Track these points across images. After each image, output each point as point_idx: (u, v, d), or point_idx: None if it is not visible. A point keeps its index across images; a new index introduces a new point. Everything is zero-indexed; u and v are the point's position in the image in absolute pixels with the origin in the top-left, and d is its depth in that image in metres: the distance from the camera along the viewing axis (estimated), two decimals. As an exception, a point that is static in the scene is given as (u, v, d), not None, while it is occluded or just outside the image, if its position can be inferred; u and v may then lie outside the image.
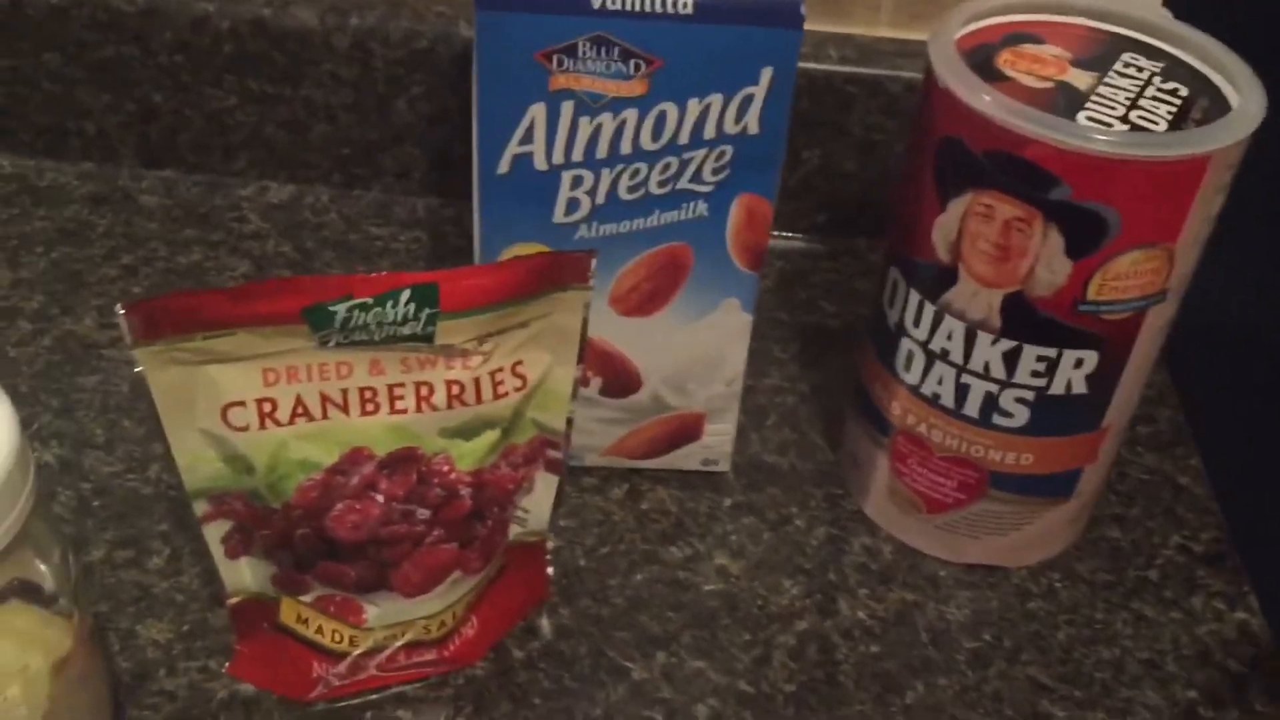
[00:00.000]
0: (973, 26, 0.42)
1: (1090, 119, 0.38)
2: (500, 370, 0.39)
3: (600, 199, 0.41)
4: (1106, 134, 0.37)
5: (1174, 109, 0.39)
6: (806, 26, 0.38)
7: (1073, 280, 0.39)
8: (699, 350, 0.45)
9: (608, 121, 0.39)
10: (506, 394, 0.39)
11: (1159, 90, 0.40)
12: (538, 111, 0.39)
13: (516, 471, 0.41)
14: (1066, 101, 0.39)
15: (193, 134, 0.61)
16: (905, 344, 0.43)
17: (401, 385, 0.38)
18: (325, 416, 0.38)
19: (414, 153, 0.61)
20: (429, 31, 0.57)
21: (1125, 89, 0.39)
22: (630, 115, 0.39)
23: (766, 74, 0.38)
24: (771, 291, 0.59)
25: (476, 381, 0.38)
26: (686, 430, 0.48)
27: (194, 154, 0.62)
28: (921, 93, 0.40)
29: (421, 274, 0.36)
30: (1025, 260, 0.39)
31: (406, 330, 0.37)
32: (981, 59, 0.40)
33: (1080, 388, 0.41)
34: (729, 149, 0.40)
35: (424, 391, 0.38)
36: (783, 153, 0.40)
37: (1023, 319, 0.40)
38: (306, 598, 0.41)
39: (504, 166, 0.40)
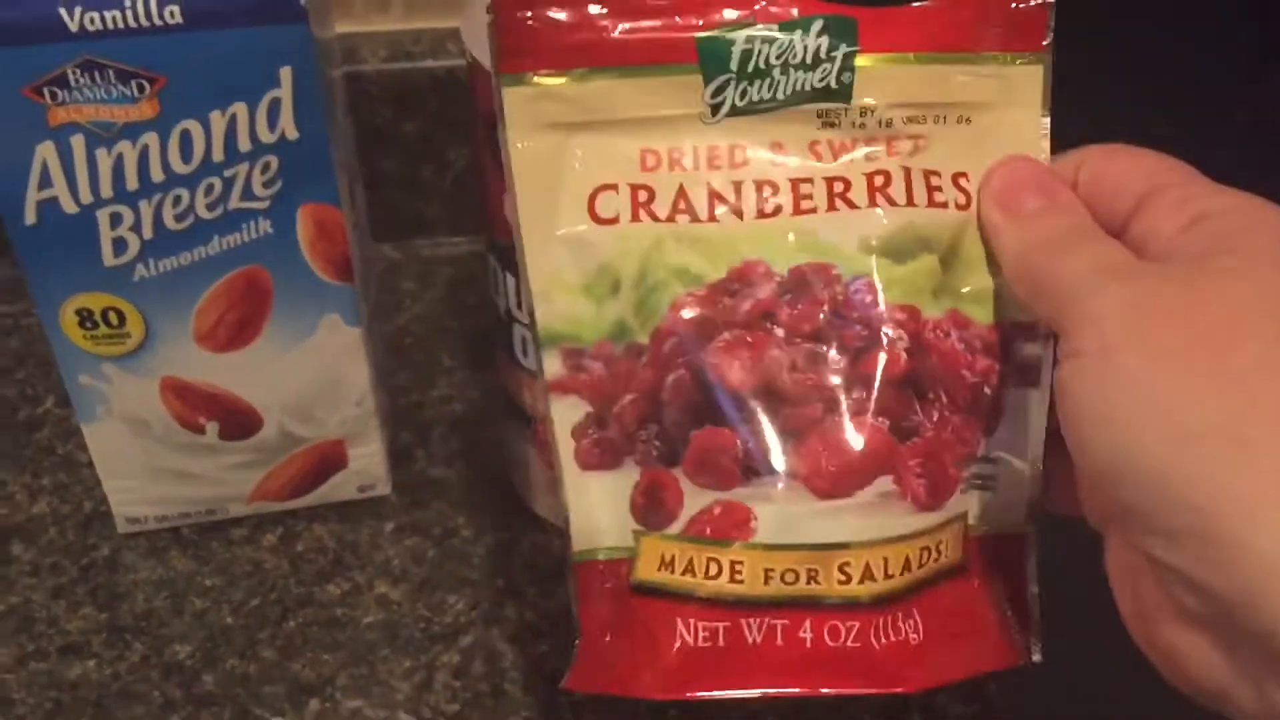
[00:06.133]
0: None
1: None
2: (937, 174, 0.31)
3: (148, 233, 0.38)
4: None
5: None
6: (426, 24, 0.35)
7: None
8: (314, 375, 0.43)
9: (128, 150, 0.36)
10: (946, 205, 0.31)
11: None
12: (47, 152, 0.36)
13: (974, 357, 0.31)
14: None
15: None
16: (517, 330, 0.42)
17: (808, 181, 0.31)
18: (712, 217, 0.31)
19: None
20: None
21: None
22: (151, 140, 0.36)
23: (286, 74, 0.36)
24: (440, 300, 0.57)
25: (907, 174, 0.31)
26: (330, 460, 0.45)
27: None
28: (468, 75, 0.39)
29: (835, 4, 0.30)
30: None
31: (818, 77, 0.30)
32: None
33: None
34: (273, 159, 0.38)
35: (838, 187, 0.31)
36: (331, 155, 0.38)
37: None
38: (676, 523, 0.31)
39: (31, 216, 0.37)
